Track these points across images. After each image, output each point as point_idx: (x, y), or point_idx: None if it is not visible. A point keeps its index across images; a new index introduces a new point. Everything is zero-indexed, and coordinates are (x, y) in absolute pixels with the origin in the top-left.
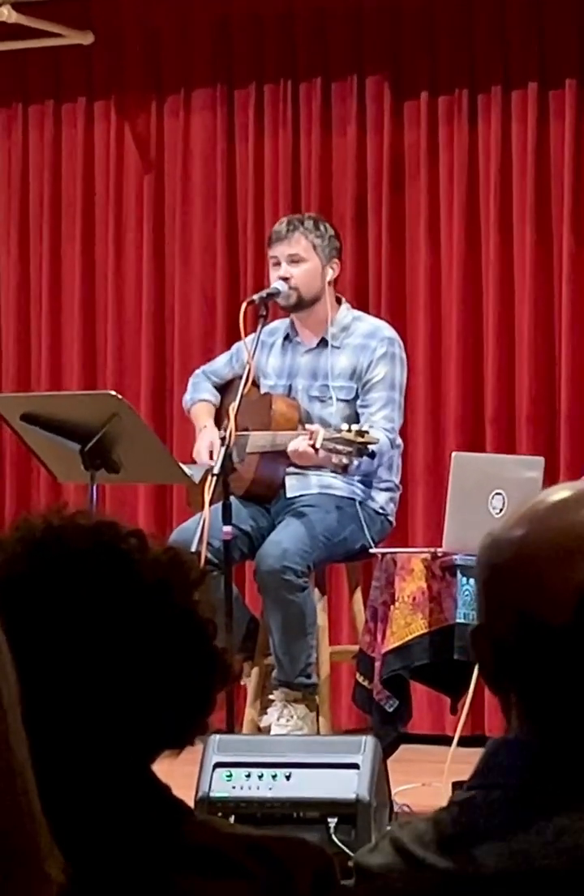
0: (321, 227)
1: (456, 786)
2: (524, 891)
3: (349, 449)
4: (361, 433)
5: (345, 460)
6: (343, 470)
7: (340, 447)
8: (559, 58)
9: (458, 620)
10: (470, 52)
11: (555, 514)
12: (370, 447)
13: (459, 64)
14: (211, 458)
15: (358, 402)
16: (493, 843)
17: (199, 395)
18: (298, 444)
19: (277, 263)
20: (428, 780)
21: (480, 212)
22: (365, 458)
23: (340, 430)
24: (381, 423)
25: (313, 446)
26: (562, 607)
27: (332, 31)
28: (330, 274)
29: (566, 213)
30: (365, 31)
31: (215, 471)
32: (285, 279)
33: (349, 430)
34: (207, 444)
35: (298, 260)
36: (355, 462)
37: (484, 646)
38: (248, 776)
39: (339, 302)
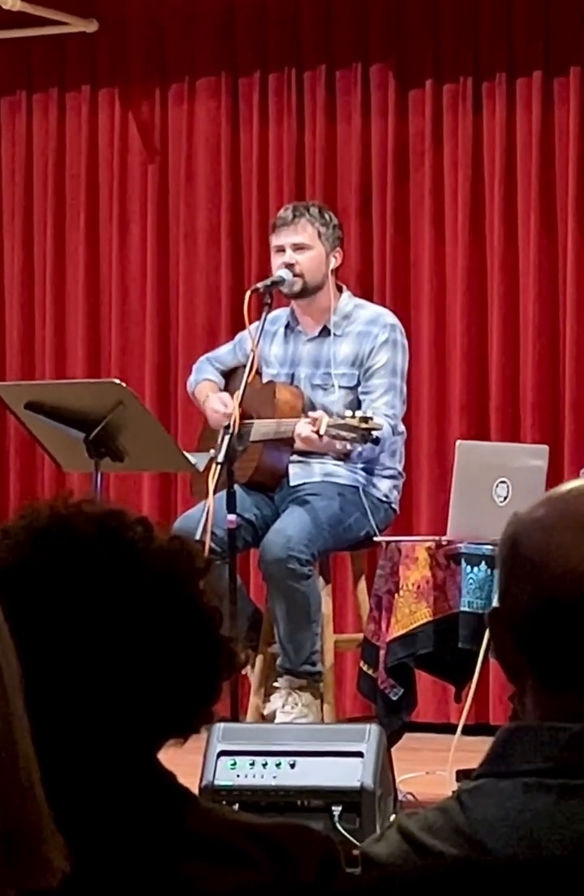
0: (326, 216)
1: (460, 774)
2: (535, 878)
3: (353, 435)
4: (365, 419)
5: (349, 446)
6: (345, 457)
7: (344, 433)
8: (564, 45)
9: (462, 609)
10: (475, 39)
11: (578, 497)
12: (374, 433)
13: (463, 52)
14: (226, 409)
15: (360, 389)
16: (503, 831)
17: (202, 376)
18: (302, 428)
19: (281, 250)
20: (432, 769)
21: (484, 200)
22: (368, 444)
23: (344, 416)
24: (382, 410)
25: (316, 432)
26: (576, 585)
27: (336, 20)
28: (333, 262)
29: (571, 201)
30: (369, 19)
31: (219, 459)
32: (291, 265)
33: (353, 416)
34: (219, 400)
35: (303, 247)
36: (359, 448)
37: (502, 626)
38: (252, 764)
39: (340, 290)
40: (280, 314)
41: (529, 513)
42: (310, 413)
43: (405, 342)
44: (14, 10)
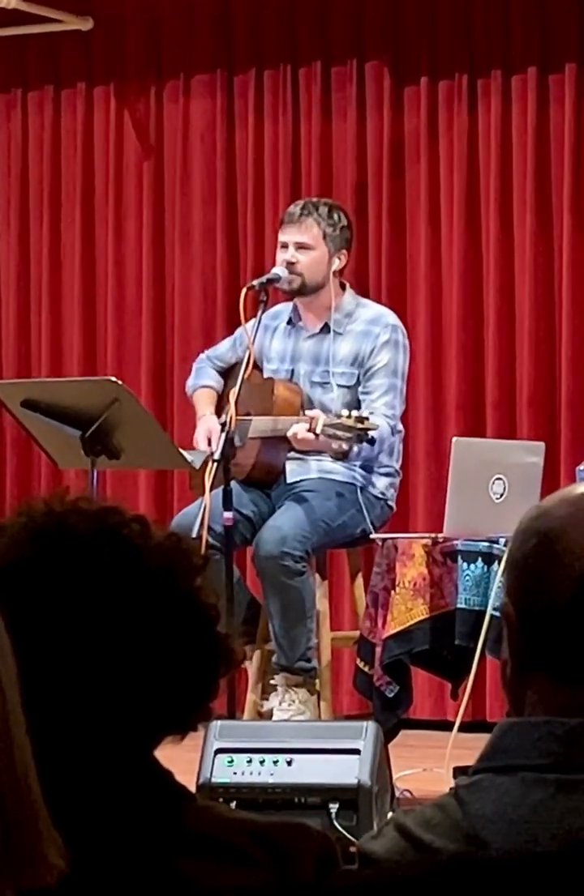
0: (335, 216)
1: (457, 771)
2: (531, 873)
3: (349, 435)
4: (361, 419)
5: (345, 446)
6: (343, 456)
7: (339, 433)
8: (559, 42)
9: (459, 606)
10: (470, 36)
11: None
12: (370, 433)
13: (459, 48)
14: (209, 445)
15: (360, 389)
16: (501, 826)
17: (201, 381)
18: (297, 428)
19: (285, 246)
20: (429, 766)
21: (480, 196)
22: (365, 444)
23: (340, 416)
24: (382, 410)
25: (312, 431)
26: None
27: (332, 16)
28: (337, 263)
29: (566, 198)
30: (365, 15)
31: (216, 456)
32: (291, 264)
33: (349, 416)
34: (205, 431)
35: (305, 247)
36: (355, 448)
37: (518, 618)
38: (249, 762)
39: (343, 288)
40: (282, 309)
41: (559, 507)
42: (307, 412)
43: (407, 343)
44: (9, 7)
